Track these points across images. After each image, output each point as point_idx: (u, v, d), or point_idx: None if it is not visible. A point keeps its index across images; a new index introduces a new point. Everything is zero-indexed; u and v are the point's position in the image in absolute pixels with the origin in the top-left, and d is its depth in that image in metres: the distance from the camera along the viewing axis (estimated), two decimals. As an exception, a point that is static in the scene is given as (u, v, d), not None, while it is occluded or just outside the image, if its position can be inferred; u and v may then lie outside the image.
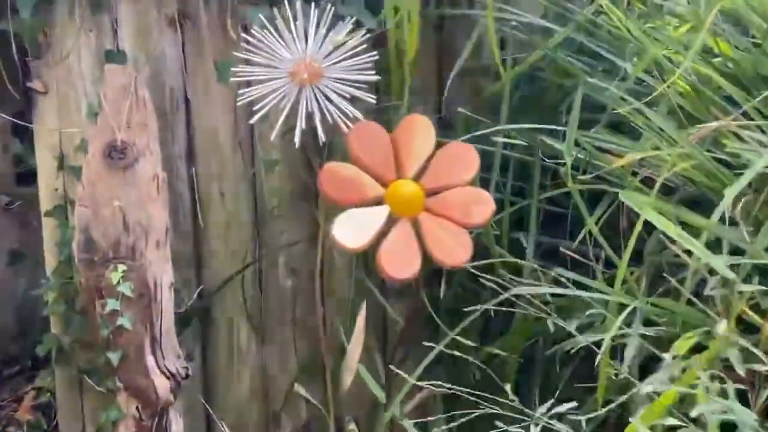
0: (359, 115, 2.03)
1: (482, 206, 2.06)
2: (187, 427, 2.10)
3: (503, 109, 2.15)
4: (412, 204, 2.07)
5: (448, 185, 2.07)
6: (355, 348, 2.09)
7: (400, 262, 2.02)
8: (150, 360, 1.96)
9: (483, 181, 2.14)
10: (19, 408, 2.65)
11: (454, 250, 2.04)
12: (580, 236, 1.98)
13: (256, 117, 2.01)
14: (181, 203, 2.16)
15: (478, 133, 2.11)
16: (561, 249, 1.99)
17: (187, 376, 2.03)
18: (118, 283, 1.91)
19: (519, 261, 2.07)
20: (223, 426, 2.22)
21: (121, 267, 1.92)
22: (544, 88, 2.28)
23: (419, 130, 2.08)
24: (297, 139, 1.99)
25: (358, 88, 2.02)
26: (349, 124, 2.03)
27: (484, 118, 2.17)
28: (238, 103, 2.02)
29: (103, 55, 2.05)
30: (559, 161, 2.03)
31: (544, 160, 2.13)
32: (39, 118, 2.11)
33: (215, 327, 2.25)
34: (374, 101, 2.05)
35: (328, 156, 2.11)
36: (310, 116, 2.00)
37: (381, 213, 2.04)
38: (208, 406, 2.23)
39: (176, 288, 2.14)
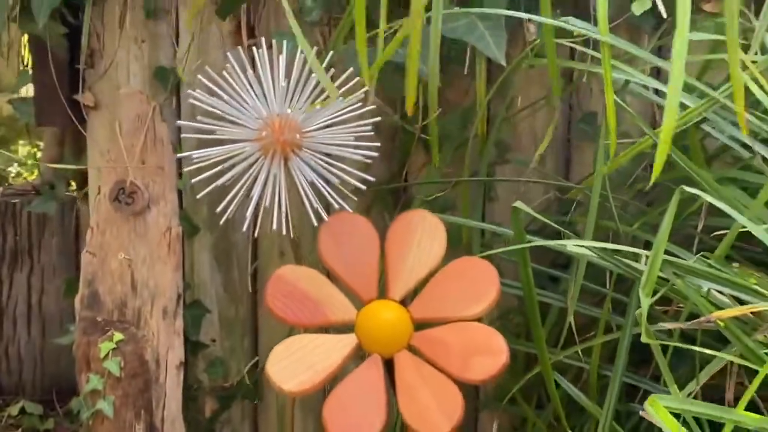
0: (345, 206, 1.51)
1: (489, 357, 1.42)
2: None
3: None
4: (391, 336, 1.47)
5: (447, 317, 1.46)
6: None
7: (353, 420, 1.44)
8: (143, 456, 1.59)
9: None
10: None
11: (432, 417, 1.41)
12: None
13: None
14: (235, 254, 1.77)
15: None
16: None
17: (197, 477, 1.65)
18: (107, 356, 1.55)
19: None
20: None
21: (118, 336, 1.56)
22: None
23: (421, 233, 1.48)
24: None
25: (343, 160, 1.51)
26: (323, 215, 1.49)
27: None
28: (186, 170, 1.56)
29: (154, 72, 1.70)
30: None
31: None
32: (90, 135, 1.77)
33: (269, 410, 1.84)
34: (363, 186, 1.53)
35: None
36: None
37: (344, 345, 1.47)
38: None
39: (221, 358, 1.79)
